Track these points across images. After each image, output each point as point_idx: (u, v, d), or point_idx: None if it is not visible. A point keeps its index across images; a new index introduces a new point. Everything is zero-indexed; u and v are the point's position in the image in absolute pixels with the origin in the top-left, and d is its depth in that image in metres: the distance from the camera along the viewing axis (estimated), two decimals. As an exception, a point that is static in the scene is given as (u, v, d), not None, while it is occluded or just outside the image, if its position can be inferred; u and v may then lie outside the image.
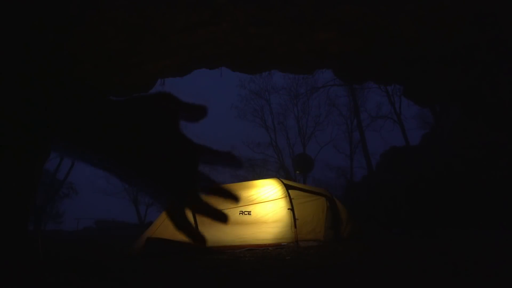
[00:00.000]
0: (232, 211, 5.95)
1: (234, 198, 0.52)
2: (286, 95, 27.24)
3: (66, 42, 7.37)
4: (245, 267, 4.35)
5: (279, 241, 6.50)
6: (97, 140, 0.46)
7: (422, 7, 8.01)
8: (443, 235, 6.90)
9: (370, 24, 8.67)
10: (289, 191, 7.03)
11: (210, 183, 0.50)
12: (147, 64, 9.69)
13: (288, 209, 6.77)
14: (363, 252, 5.39)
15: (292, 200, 6.90)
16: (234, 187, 6.81)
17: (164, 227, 6.19)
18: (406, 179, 10.30)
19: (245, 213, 6.34)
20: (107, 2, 7.42)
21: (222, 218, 0.51)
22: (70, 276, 4.11)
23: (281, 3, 8.26)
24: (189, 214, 0.50)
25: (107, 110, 0.47)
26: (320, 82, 25.21)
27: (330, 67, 12.00)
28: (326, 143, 27.70)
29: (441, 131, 12.14)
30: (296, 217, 6.73)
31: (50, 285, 3.67)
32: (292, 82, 26.24)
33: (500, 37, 7.88)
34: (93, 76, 9.16)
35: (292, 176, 23.19)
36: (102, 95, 0.49)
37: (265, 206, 6.69)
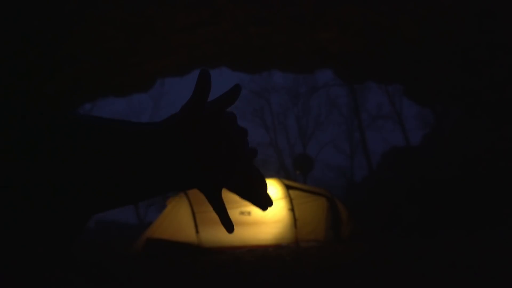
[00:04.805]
0: (232, 211, 5.94)
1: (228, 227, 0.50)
2: (286, 95, 27.17)
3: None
4: (245, 268, 4.34)
5: (279, 242, 6.49)
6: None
7: (423, 7, 8.01)
8: (444, 235, 6.89)
9: (371, 24, 8.66)
10: (290, 191, 7.01)
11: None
12: (146, 64, 9.68)
13: (289, 209, 6.76)
14: (363, 253, 5.37)
15: (293, 201, 6.89)
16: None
17: (164, 228, 6.18)
18: (407, 179, 10.28)
19: (245, 213, 6.33)
20: (106, 1, 7.41)
21: (229, 227, 0.49)
22: (70, 276, 4.10)
23: (281, 3, 8.25)
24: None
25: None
26: (320, 82, 25.15)
27: (330, 67, 12.00)
28: (326, 143, 27.66)
29: (442, 131, 12.12)
30: (296, 217, 6.72)
31: (50, 285, 3.66)
32: (292, 82, 26.22)
33: (500, 37, 7.86)
34: (92, 76, 9.15)
35: (293, 176, 23.16)
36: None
37: (265, 207, 6.67)
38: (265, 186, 0.50)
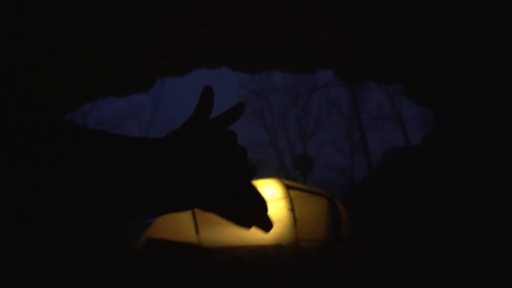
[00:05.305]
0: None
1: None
2: (286, 95, 27.18)
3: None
4: (245, 268, 4.34)
5: (279, 242, 6.49)
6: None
7: (423, 7, 8.01)
8: (444, 235, 6.89)
9: (370, 24, 8.66)
10: (290, 191, 7.01)
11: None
12: (146, 64, 9.68)
13: (289, 209, 6.75)
14: (363, 253, 5.37)
15: (293, 201, 6.88)
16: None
17: (164, 227, 6.18)
18: (407, 179, 10.29)
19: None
20: (106, 2, 7.41)
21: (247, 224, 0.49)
22: (70, 276, 4.10)
23: (281, 3, 8.25)
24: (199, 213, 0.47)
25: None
26: (320, 82, 25.17)
27: (330, 67, 12.00)
28: (326, 143, 27.67)
29: (442, 131, 12.13)
30: (296, 217, 6.72)
31: (50, 285, 3.66)
32: (292, 82, 26.23)
33: (499, 37, 7.86)
34: (92, 76, 9.15)
35: (293, 176, 23.17)
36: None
37: (265, 207, 6.66)
38: (266, 208, 0.49)
